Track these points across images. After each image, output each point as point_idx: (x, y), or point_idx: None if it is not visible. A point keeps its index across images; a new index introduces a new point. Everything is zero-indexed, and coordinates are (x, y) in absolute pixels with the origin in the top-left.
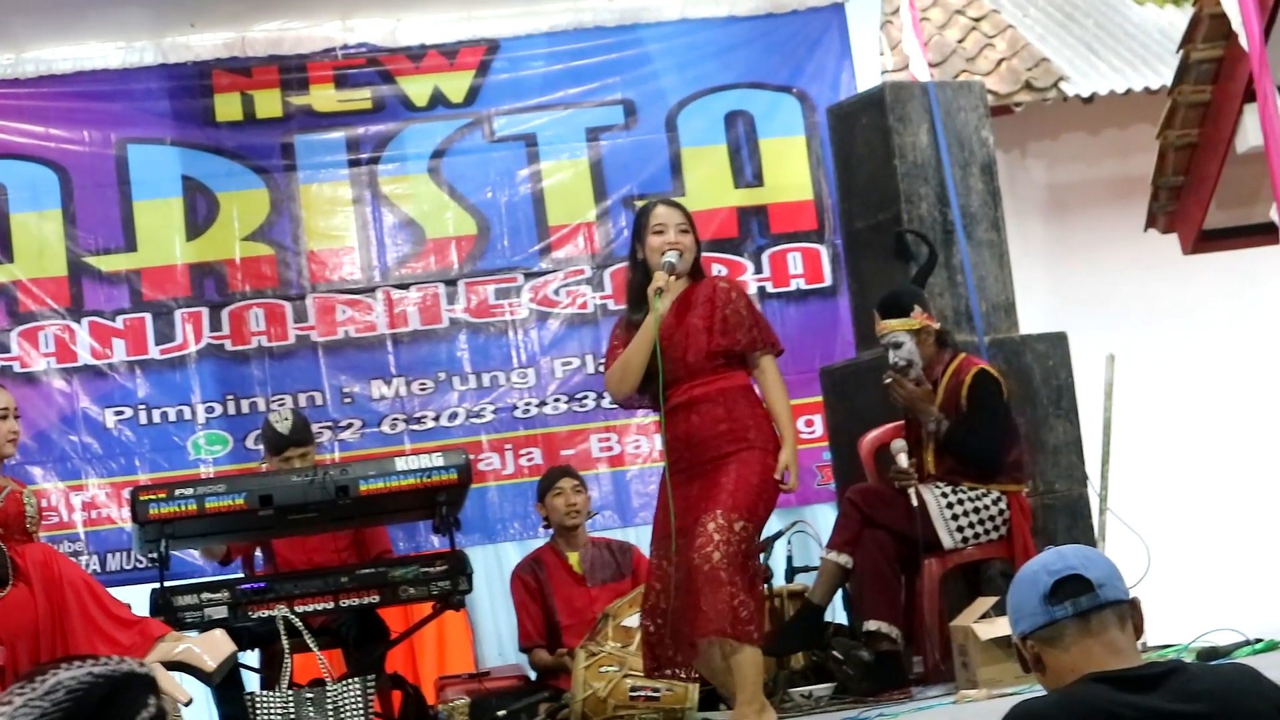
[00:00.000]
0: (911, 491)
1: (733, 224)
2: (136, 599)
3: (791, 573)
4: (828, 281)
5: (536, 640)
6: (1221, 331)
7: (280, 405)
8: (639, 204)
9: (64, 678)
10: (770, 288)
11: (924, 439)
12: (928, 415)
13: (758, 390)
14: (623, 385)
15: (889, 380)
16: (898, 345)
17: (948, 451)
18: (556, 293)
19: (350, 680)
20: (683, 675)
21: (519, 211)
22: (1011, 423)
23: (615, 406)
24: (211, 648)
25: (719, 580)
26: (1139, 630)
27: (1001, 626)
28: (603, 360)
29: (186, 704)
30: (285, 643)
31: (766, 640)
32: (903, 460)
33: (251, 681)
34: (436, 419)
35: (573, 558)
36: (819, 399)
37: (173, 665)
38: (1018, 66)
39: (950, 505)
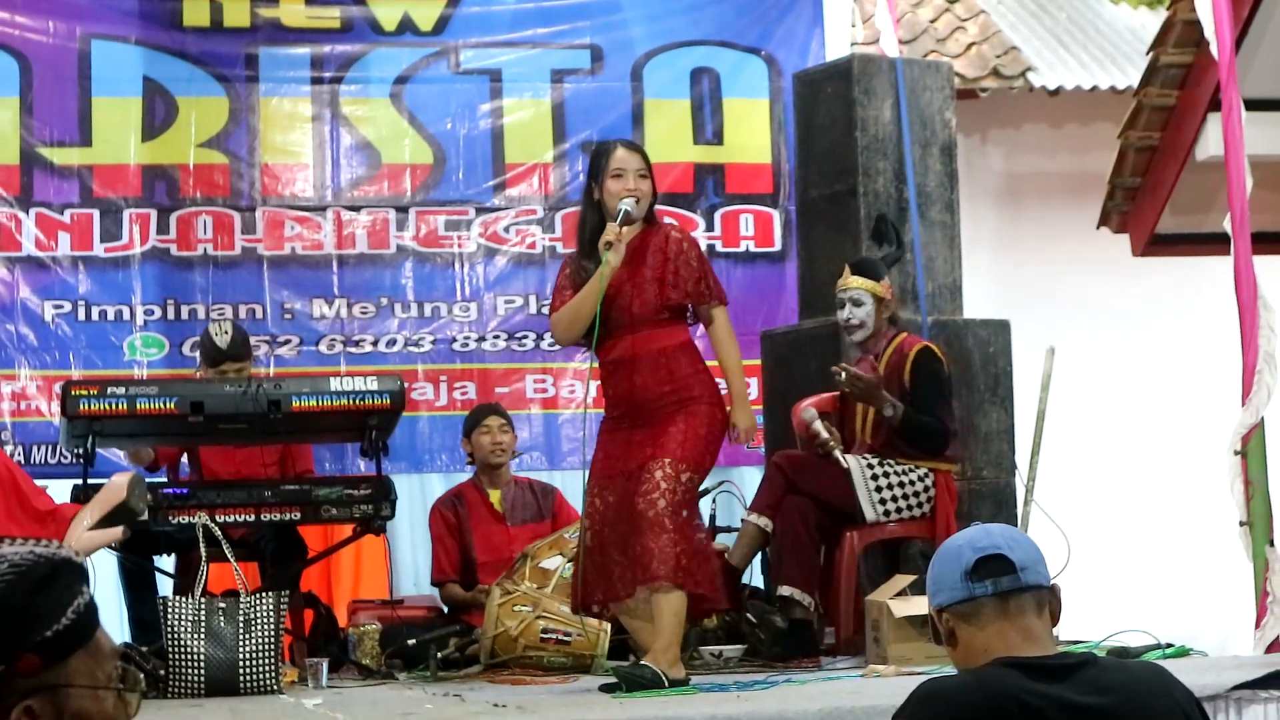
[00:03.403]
0: (838, 453)
1: (689, 179)
2: (58, 494)
3: (714, 532)
4: (777, 246)
5: (450, 575)
6: (1162, 335)
7: (220, 317)
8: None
9: (7, 551)
10: (720, 246)
11: (858, 409)
12: (883, 402)
13: (699, 347)
14: (569, 332)
15: (842, 375)
16: (858, 303)
17: (902, 436)
18: (507, 230)
19: (264, 594)
20: (605, 615)
21: (477, 145)
22: (950, 402)
23: (555, 349)
24: (114, 487)
25: (663, 527)
26: (1056, 618)
27: (916, 605)
28: (547, 301)
29: (125, 539)
30: (203, 550)
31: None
32: (818, 427)
33: (166, 587)
34: (375, 344)
35: (494, 496)
36: (757, 362)
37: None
38: (987, 52)
39: (875, 477)
